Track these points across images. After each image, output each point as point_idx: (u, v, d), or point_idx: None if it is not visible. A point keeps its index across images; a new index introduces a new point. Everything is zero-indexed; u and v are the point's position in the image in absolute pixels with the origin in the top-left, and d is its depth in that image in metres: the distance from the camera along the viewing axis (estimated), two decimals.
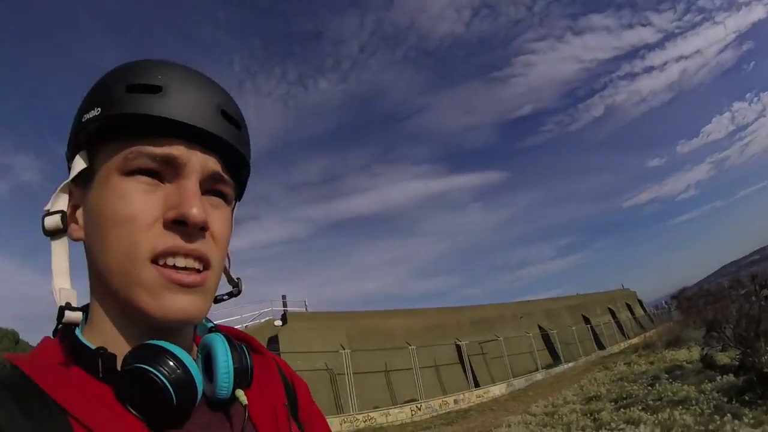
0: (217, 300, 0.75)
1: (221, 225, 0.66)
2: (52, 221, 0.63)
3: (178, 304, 0.59)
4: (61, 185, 0.65)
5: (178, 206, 0.59)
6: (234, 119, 0.66)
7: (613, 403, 9.75)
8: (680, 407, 7.12)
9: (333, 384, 17.59)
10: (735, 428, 4.92)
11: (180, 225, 0.59)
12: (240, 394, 0.67)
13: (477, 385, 21.37)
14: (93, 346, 0.60)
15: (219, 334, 0.69)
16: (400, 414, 15.46)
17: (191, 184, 0.61)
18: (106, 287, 0.61)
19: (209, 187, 0.65)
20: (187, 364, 0.59)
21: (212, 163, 0.64)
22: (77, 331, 0.62)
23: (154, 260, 0.59)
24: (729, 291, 18.00)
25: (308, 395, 0.84)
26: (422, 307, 26.79)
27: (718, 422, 5.32)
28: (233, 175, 0.69)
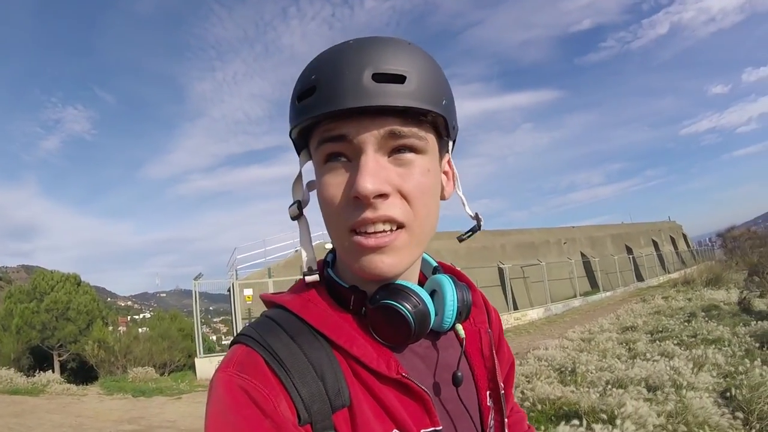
0: (461, 238, 0.91)
1: (411, 180, 0.69)
2: (292, 211, 0.77)
3: (372, 264, 0.69)
4: (294, 180, 0.78)
5: (353, 184, 0.66)
6: (390, 75, 0.66)
7: (648, 335, 10.00)
8: (713, 346, 7.36)
9: None
10: (763, 374, 5.12)
11: (358, 199, 0.67)
12: (459, 327, 0.82)
13: (516, 308, 21.83)
14: (346, 285, 0.77)
15: (445, 275, 0.81)
16: None
17: (365, 158, 0.66)
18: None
19: (393, 146, 0.68)
20: (426, 301, 0.73)
21: (385, 126, 0.67)
22: (332, 273, 0.80)
23: (353, 230, 0.69)
24: None
25: (500, 325, 0.99)
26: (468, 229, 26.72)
27: (748, 366, 5.51)
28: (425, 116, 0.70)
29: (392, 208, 0.67)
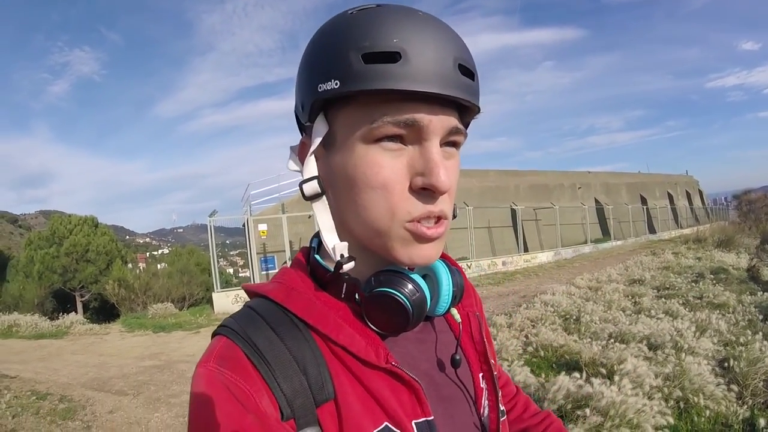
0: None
1: (454, 175, 0.70)
2: (311, 188, 0.70)
3: (424, 252, 0.68)
4: (309, 152, 0.70)
5: (424, 173, 0.64)
6: (470, 71, 0.66)
7: (655, 291, 10.09)
8: (717, 311, 7.41)
9: None
10: (763, 348, 5.12)
11: (427, 190, 0.65)
12: (454, 312, 0.82)
13: (526, 250, 22.03)
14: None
15: (439, 260, 0.76)
16: None
17: (435, 149, 0.65)
18: (350, 232, 0.71)
19: (446, 140, 0.67)
20: (423, 288, 0.70)
21: (451, 119, 0.66)
22: (320, 260, 0.75)
23: (411, 220, 0.66)
24: None
25: (481, 307, 0.97)
26: (482, 168, 26.50)
27: (749, 338, 5.54)
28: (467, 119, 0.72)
29: (446, 203, 0.68)
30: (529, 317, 7.64)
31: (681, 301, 8.60)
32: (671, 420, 3.79)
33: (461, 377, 0.80)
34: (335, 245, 0.70)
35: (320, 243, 0.79)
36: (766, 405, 4.46)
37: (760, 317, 7.21)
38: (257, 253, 16.59)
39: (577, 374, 4.29)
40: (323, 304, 0.71)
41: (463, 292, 0.81)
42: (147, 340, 11.90)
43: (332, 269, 0.72)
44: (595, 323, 7.02)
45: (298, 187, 0.72)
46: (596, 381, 4.08)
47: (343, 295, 0.72)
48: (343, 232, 0.72)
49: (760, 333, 5.87)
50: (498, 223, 22.86)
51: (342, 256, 0.70)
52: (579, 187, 30.90)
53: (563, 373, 4.49)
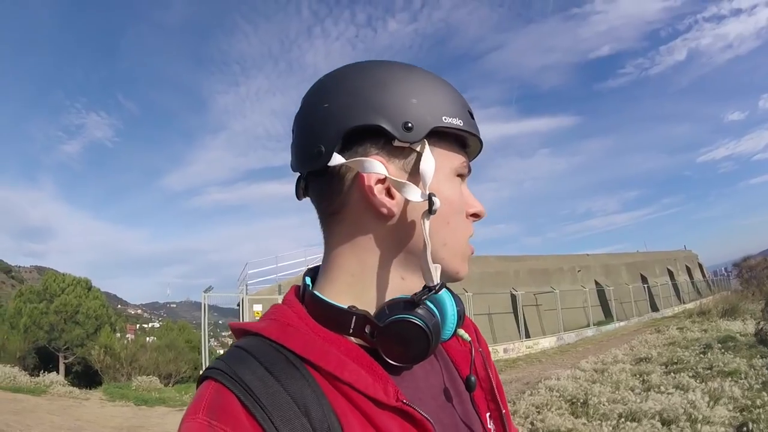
0: None
1: None
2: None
3: (467, 266, 0.77)
4: (426, 177, 0.69)
5: (473, 205, 0.77)
6: (473, 113, 0.77)
7: (663, 367, 9.77)
8: (729, 379, 7.22)
9: None
10: None
11: (475, 217, 0.78)
12: (462, 332, 0.81)
13: (528, 336, 21.49)
14: (344, 306, 0.70)
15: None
16: None
17: (466, 186, 0.78)
18: (409, 256, 0.72)
19: None
20: (434, 311, 0.69)
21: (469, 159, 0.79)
22: (320, 294, 0.72)
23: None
24: None
25: (486, 345, 0.96)
26: (481, 254, 26.65)
27: (766, 399, 5.44)
28: None
29: None
30: (533, 404, 7.33)
31: (691, 374, 8.35)
32: None
33: (466, 417, 0.76)
34: (435, 266, 0.70)
35: (314, 279, 0.78)
36: None
37: None
38: None
39: None
40: (323, 340, 0.67)
41: (462, 317, 0.78)
42: (128, 411, 11.54)
43: (337, 303, 0.70)
44: (604, 404, 6.78)
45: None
46: None
47: (351, 330, 0.69)
48: (392, 258, 0.73)
49: None
50: (498, 309, 22.48)
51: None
52: (578, 270, 30.68)
53: None
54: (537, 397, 7.66)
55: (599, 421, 5.85)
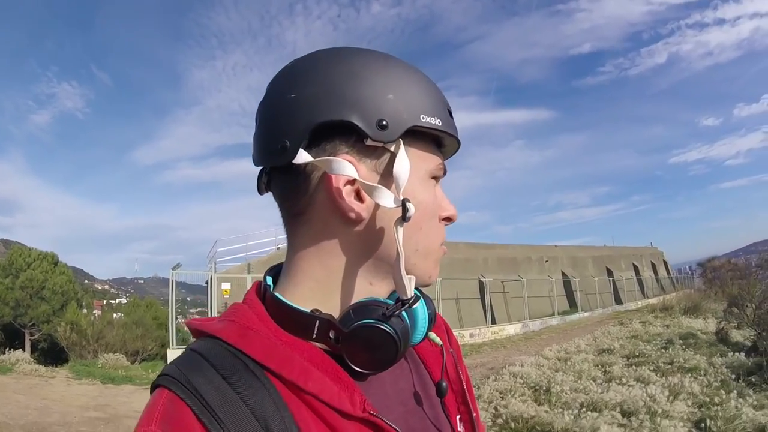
0: None
1: None
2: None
3: (438, 270, 0.73)
4: (400, 180, 0.64)
5: (447, 209, 0.73)
6: (452, 113, 0.72)
7: (624, 359, 10.00)
8: (689, 375, 7.37)
9: None
10: (738, 406, 5.21)
11: (447, 220, 0.74)
12: (433, 335, 0.76)
13: (494, 322, 21.74)
14: (307, 310, 0.65)
15: None
16: None
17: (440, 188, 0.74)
18: (378, 262, 0.68)
19: None
20: (403, 315, 0.64)
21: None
22: (281, 296, 0.67)
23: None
24: (756, 270, 17.79)
25: (458, 345, 0.91)
26: (451, 241, 26.67)
27: (724, 397, 5.57)
28: None
29: None
30: (498, 389, 7.41)
31: (652, 368, 8.55)
32: None
33: (436, 421, 0.73)
34: (410, 278, 0.65)
35: (276, 279, 0.73)
36: None
37: (733, 377, 7.24)
38: (218, 312, 15.98)
39: None
40: (286, 345, 0.62)
41: (434, 319, 0.74)
42: (94, 389, 11.32)
43: (297, 306, 0.65)
44: (566, 393, 6.88)
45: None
46: None
47: (315, 335, 0.63)
48: (360, 263, 0.68)
49: (735, 392, 5.96)
50: (466, 295, 22.68)
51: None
52: (546, 261, 31.12)
53: None
54: (501, 383, 7.75)
55: (561, 410, 5.92)
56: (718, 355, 9.00)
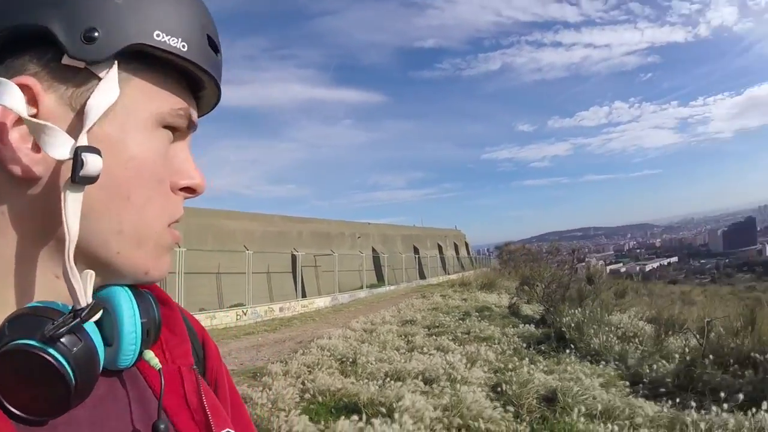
0: None
1: None
2: (95, 165, 0.43)
3: (168, 262, 0.53)
4: (90, 116, 0.44)
5: (189, 175, 0.53)
6: (217, 45, 0.53)
7: (426, 329, 10.48)
8: (485, 344, 7.92)
9: (162, 284, 16.81)
10: (530, 371, 5.67)
11: (185, 191, 0.54)
12: (150, 356, 0.54)
13: (304, 295, 21.70)
14: None
15: (120, 286, 0.52)
16: (225, 318, 15.15)
17: (188, 147, 0.55)
18: (63, 244, 0.43)
19: None
20: (86, 331, 0.44)
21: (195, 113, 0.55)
22: None
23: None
24: (546, 255, 20.03)
25: (218, 358, 0.70)
26: (266, 212, 26.28)
27: (517, 363, 6.06)
28: None
29: None
30: (305, 363, 7.26)
31: (450, 337, 9.00)
32: None
33: None
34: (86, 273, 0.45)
35: None
36: (543, 419, 4.93)
37: (524, 345, 7.98)
38: None
39: (356, 416, 4.22)
40: None
41: (159, 328, 0.53)
42: None
43: None
44: (372, 364, 6.98)
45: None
46: (377, 421, 4.01)
47: None
48: (58, 245, 0.45)
49: (526, 359, 6.42)
50: (278, 268, 22.33)
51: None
52: (359, 237, 31.81)
53: (342, 417, 4.37)
54: (309, 356, 7.64)
55: (366, 380, 5.94)
56: (510, 326, 9.82)
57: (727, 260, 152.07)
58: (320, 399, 5.53)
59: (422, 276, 35.21)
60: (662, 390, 5.69)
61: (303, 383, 5.95)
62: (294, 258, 22.74)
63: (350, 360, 7.37)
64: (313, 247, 25.57)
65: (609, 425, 4.42)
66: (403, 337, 9.58)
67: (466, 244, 55.60)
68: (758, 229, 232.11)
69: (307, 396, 5.55)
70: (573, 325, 8.43)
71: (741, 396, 4.78)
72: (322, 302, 20.69)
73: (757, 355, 5.66)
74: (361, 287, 25.84)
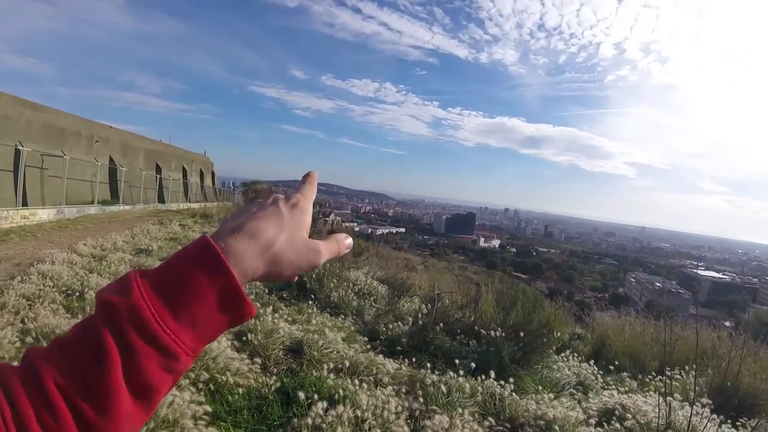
0: None
1: None
2: None
3: None
4: None
5: None
6: None
7: (161, 261, 10.04)
8: None
9: None
10: (275, 320, 5.76)
11: None
12: None
13: (25, 204, 18.88)
14: None
15: None
16: None
17: None
18: None
19: None
20: None
21: None
22: None
23: None
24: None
25: None
26: None
27: (261, 312, 6.03)
28: None
29: None
30: (24, 294, 6.35)
31: None
32: (208, 408, 3.63)
33: None
34: None
35: None
36: (290, 372, 4.93)
37: (266, 291, 8.12)
38: None
39: None
40: None
41: None
42: None
43: None
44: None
45: None
46: None
47: None
48: None
49: (271, 307, 6.68)
50: None
51: None
52: (97, 141, 28.30)
53: None
54: (28, 286, 6.75)
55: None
56: None
57: (446, 241, 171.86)
58: (44, 344, 4.90)
59: (161, 199, 33.44)
60: (398, 348, 6.21)
61: (23, 321, 5.22)
62: (18, 154, 19.15)
63: (77, 293, 6.71)
64: (43, 143, 21.81)
65: (356, 380, 4.63)
66: (137, 267, 8.96)
67: (213, 174, 53.88)
68: (477, 223, 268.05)
69: (28, 339, 4.67)
70: (314, 276, 8.73)
71: (473, 364, 5.47)
72: (45, 214, 18.06)
73: (482, 330, 6.53)
74: (92, 202, 23.50)
